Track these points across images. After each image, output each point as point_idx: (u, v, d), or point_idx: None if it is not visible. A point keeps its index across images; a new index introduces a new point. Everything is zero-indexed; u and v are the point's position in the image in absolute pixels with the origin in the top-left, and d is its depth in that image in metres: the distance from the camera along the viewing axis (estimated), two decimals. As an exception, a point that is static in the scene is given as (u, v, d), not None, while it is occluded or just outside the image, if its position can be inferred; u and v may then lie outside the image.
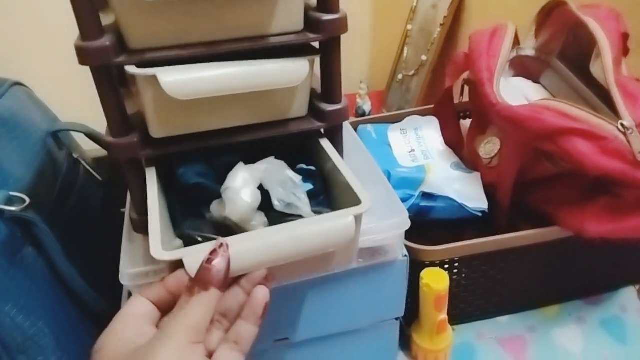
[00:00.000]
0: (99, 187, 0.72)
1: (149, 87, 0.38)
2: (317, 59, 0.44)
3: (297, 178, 0.41)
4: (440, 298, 0.54)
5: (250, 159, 0.43)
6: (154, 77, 0.36)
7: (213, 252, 0.32)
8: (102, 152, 0.78)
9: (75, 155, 0.68)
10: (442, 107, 0.75)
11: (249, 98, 0.40)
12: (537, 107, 0.55)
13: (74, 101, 0.88)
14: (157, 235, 0.34)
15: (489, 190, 0.64)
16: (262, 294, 0.33)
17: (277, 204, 0.39)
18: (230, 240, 0.33)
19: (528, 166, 0.61)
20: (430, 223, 0.63)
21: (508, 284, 0.63)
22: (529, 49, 0.74)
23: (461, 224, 0.64)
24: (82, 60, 0.36)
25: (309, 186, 0.43)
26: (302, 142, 0.48)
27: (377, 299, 0.51)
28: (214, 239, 0.33)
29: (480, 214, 0.61)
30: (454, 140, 0.74)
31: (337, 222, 0.35)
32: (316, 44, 0.43)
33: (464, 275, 0.61)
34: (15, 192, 0.50)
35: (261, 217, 0.40)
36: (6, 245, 0.47)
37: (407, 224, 0.47)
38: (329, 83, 0.44)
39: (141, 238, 0.47)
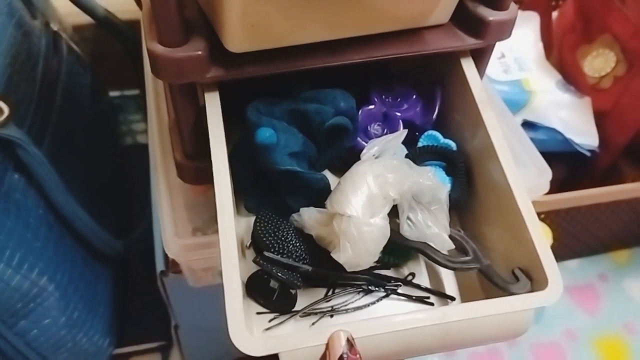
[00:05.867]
0: (85, 72, 0.54)
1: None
2: None
3: (442, 189, 0.26)
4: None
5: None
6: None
7: None
8: (83, 18, 0.58)
9: (54, 27, 0.48)
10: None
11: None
12: None
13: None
14: (238, 303, 0.22)
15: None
16: None
17: (406, 229, 0.25)
18: (355, 328, 0.23)
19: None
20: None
21: (585, 230, 0.55)
22: None
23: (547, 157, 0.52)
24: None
25: (446, 180, 0.29)
26: (414, 70, 0.33)
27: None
28: (297, 282, 0.25)
29: (588, 153, 0.50)
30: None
31: (505, 317, 0.24)
32: None
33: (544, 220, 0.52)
34: (-17, 94, 0.34)
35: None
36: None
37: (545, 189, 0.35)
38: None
39: (182, 186, 0.33)
